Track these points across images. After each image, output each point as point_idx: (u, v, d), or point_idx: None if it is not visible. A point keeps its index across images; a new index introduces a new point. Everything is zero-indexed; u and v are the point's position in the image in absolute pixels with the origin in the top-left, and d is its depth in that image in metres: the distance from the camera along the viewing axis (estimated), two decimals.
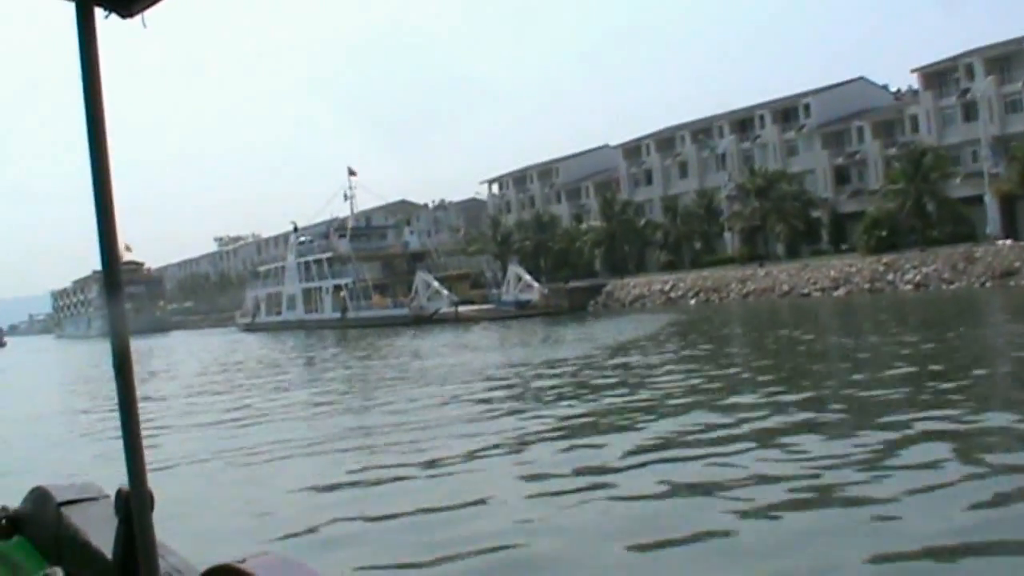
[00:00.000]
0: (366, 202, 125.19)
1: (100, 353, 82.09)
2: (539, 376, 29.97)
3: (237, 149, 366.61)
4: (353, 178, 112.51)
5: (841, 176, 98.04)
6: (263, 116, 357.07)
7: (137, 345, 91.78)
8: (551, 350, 39.48)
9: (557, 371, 30.77)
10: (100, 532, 2.53)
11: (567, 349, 39.04)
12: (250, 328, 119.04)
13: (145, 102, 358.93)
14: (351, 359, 47.99)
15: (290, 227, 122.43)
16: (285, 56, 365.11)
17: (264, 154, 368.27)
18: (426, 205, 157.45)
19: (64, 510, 2.81)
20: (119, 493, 2.22)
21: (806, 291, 72.99)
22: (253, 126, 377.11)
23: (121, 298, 2.17)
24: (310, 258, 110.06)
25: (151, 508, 2.12)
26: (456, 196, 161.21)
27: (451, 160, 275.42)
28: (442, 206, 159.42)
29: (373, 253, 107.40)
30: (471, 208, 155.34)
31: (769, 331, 43.61)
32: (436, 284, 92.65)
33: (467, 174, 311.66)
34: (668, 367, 29.39)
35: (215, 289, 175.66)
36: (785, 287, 75.17)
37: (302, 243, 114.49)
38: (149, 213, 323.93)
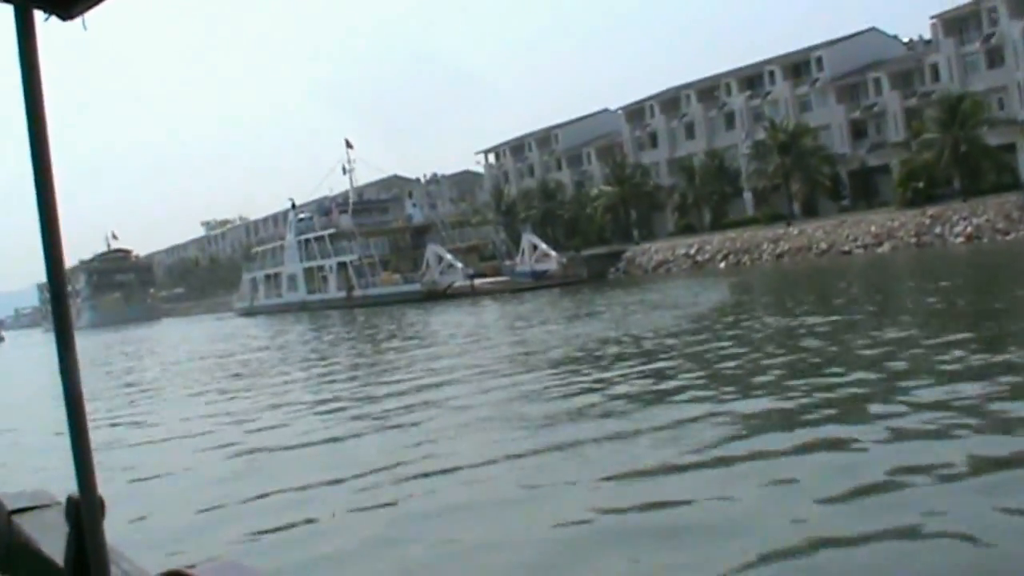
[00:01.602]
0: (365, 176, 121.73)
1: (97, 347, 78.41)
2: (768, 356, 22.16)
3: (219, 131, 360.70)
4: (351, 151, 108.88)
5: (858, 130, 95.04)
6: (245, 97, 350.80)
7: (129, 336, 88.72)
8: (633, 322, 35.89)
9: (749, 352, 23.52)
10: (52, 540, 2.47)
11: (652, 320, 35.53)
12: (248, 312, 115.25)
13: (124, 86, 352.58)
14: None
15: (279, 207, 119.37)
16: (268, 35, 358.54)
17: (247, 135, 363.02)
18: (418, 179, 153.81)
19: (15, 519, 2.72)
20: (69, 500, 2.19)
21: (846, 248, 69.91)
22: (234, 107, 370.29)
23: (65, 299, 2.14)
24: (311, 235, 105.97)
25: (102, 514, 2.14)
26: (447, 169, 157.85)
27: (440, 134, 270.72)
28: (435, 180, 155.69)
29: (376, 228, 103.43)
30: (465, 181, 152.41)
31: (878, 286, 40.06)
32: (449, 257, 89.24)
33: (457, 147, 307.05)
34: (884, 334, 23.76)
35: (206, 274, 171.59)
36: (823, 245, 72.09)
37: (301, 220, 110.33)
38: (133, 200, 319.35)
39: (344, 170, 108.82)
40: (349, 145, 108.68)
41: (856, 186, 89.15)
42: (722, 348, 24.61)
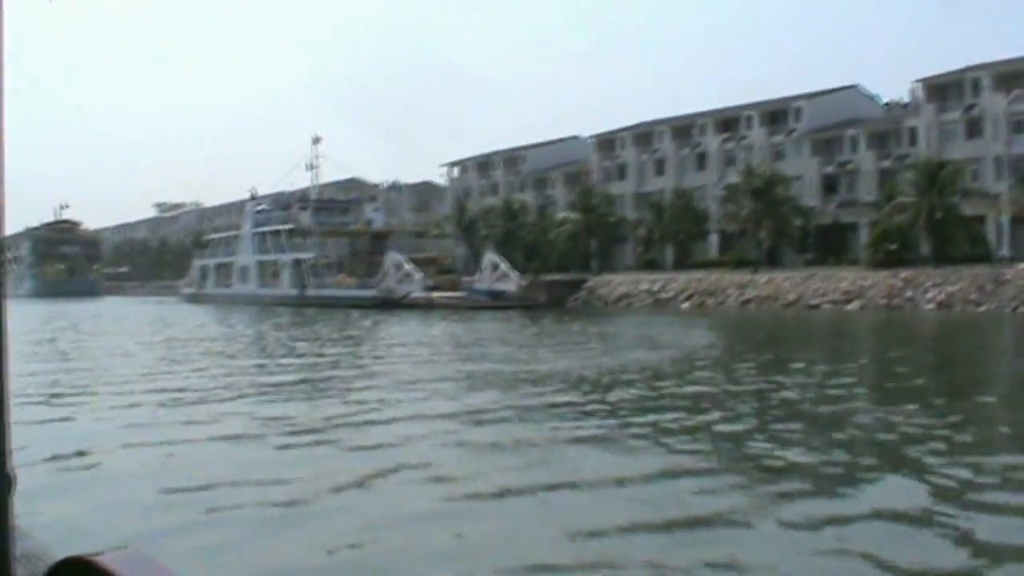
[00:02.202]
0: (326, 175, 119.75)
1: (41, 316, 75.96)
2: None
3: (181, 113, 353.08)
4: (318, 147, 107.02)
5: (829, 185, 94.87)
6: (213, 83, 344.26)
7: (73, 309, 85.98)
8: (618, 354, 34.60)
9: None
10: None
11: (636, 355, 34.21)
12: (195, 299, 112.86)
13: (85, 54, 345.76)
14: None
15: (234, 197, 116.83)
16: (240, 21, 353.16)
17: (208, 121, 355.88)
18: (378, 185, 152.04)
19: None
20: None
21: (815, 302, 69.13)
22: (200, 92, 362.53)
23: (3, 265, 2.14)
24: (267, 229, 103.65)
25: (10, 490, 2.09)
26: (405, 179, 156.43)
27: (403, 141, 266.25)
28: (395, 187, 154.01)
29: (336, 229, 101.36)
30: (425, 191, 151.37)
31: (902, 346, 39.22)
32: (408, 266, 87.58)
33: (418, 157, 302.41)
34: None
35: (154, 256, 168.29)
36: (790, 296, 71.29)
37: (259, 212, 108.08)
38: (86, 174, 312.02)
39: (308, 166, 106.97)
40: (316, 141, 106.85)
41: (824, 241, 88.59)
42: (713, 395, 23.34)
